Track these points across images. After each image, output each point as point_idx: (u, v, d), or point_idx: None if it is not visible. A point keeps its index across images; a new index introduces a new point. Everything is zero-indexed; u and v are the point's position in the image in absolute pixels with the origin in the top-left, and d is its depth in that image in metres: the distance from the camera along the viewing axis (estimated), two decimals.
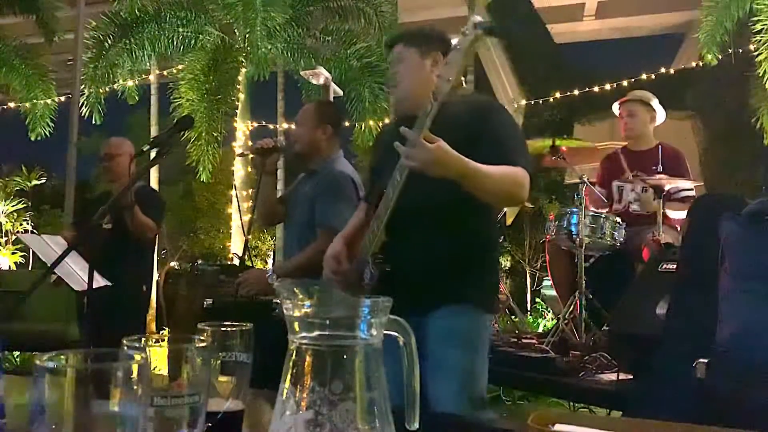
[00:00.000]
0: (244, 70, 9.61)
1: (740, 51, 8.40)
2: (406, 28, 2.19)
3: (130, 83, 9.82)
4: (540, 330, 5.89)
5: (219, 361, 0.75)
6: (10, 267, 10.38)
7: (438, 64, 1.95)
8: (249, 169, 10.23)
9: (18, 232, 10.94)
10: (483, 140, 1.80)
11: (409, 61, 1.99)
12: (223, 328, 0.77)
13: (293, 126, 2.98)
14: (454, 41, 1.78)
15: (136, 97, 10.12)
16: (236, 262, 8.70)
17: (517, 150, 1.84)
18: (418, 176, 1.71)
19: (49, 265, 2.50)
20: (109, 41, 9.19)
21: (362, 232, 2.04)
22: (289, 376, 0.52)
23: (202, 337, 0.69)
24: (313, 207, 2.73)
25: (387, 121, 9.91)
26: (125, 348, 0.62)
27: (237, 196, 9.64)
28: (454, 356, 1.84)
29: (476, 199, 1.80)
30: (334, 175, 2.76)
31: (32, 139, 10.33)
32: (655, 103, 4.04)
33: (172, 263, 8.67)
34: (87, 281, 2.45)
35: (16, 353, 5.26)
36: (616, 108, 4.16)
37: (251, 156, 3.15)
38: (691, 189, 3.88)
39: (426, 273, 1.87)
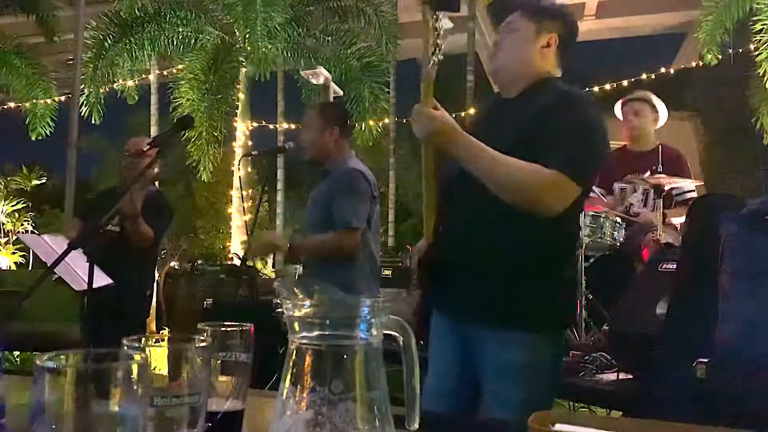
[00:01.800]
0: (244, 70, 9.62)
1: (740, 51, 8.40)
2: None
3: (130, 83, 9.82)
4: None
5: (219, 361, 0.75)
6: (10, 267, 10.37)
7: (551, 47, 1.75)
8: (249, 169, 10.23)
9: (18, 232, 10.93)
10: (540, 134, 1.58)
11: (521, 34, 1.75)
12: (223, 328, 0.77)
13: (300, 130, 3.01)
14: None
15: (136, 97, 10.12)
16: (236, 262, 8.70)
17: (563, 150, 1.56)
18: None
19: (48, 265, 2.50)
20: (109, 41, 9.20)
21: None
22: (289, 376, 0.52)
23: (202, 337, 0.69)
24: (328, 206, 2.76)
25: (387, 120, 9.94)
26: (125, 348, 0.62)
27: (242, 196, 9.64)
28: (507, 394, 1.57)
29: None
30: (345, 173, 2.79)
31: (32, 139, 10.33)
32: (657, 102, 4.02)
33: (172, 263, 8.66)
34: (87, 281, 2.44)
35: (16, 353, 5.26)
36: (618, 108, 4.13)
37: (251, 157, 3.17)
38: (693, 189, 3.88)
39: (478, 278, 1.63)
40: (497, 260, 1.61)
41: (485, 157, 1.55)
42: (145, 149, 3.41)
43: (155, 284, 4.18)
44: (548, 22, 1.76)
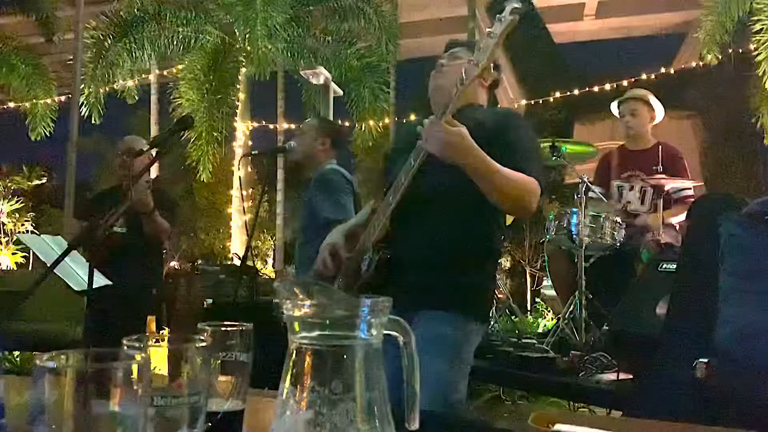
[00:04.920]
0: (244, 70, 9.62)
1: (740, 51, 8.41)
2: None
3: (130, 83, 9.82)
4: (540, 330, 5.88)
5: (219, 361, 0.75)
6: (10, 267, 10.38)
7: (486, 81, 2.01)
8: (249, 169, 10.24)
9: (18, 232, 10.94)
10: (500, 147, 1.76)
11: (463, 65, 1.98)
12: (223, 328, 0.77)
13: (295, 137, 3.21)
14: (488, 28, 1.68)
15: (136, 97, 10.13)
16: (236, 262, 8.70)
17: (532, 160, 1.82)
18: (431, 167, 1.69)
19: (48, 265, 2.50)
20: (109, 41, 9.20)
21: (364, 227, 2.02)
22: (289, 376, 0.52)
23: (202, 337, 0.69)
24: (312, 209, 2.88)
25: (387, 120, 9.94)
26: (125, 348, 0.62)
27: (242, 196, 9.65)
28: (433, 363, 1.75)
29: (486, 203, 1.76)
30: (323, 173, 2.98)
31: (32, 139, 10.34)
32: (654, 101, 4.04)
33: (172, 263, 8.66)
34: (87, 281, 2.44)
35: (16, 353, 5.26)
36: (614, 108, 4.15)
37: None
38: (690, 188, 3.88)
39: (424, 269, 1.84)
40: (437, 252, 1.84)
41: (492, 171, 1.68)
42: (138, 149, 3.42)
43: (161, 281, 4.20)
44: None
